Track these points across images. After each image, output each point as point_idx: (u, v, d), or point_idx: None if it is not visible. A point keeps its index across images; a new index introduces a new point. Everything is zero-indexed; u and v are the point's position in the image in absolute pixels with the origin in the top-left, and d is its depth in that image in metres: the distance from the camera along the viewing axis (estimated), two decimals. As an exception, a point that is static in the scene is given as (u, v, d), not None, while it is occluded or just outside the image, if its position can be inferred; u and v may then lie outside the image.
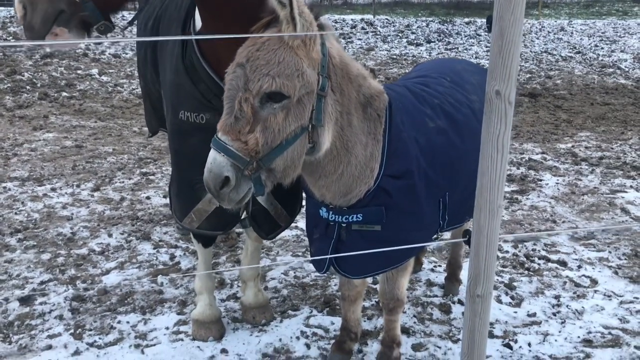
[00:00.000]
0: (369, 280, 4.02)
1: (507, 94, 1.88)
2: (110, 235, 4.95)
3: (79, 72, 11.85)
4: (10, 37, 14.80)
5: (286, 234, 5.03)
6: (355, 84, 2.46)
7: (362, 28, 19.84)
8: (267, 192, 2.29)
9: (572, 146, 7.97)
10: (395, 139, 2.58)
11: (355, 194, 2.63)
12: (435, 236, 3.04)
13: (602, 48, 17.01)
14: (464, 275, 4.09)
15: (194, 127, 2.97)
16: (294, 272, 4.41)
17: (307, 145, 2.27)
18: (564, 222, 5.49)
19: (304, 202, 3.30)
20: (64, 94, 10.39)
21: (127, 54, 13.75)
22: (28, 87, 10.69)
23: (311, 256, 2.97)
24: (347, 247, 2.74)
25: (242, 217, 3.33)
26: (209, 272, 3.63)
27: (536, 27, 20.31)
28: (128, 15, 13.87)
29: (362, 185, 2.61)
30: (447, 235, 4.24)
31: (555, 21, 23.34)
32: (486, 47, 16.47)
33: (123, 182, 6.28)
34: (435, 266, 4.56)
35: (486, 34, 17.01)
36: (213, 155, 2.12)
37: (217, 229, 3.34)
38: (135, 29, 2.94)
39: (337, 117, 2.39)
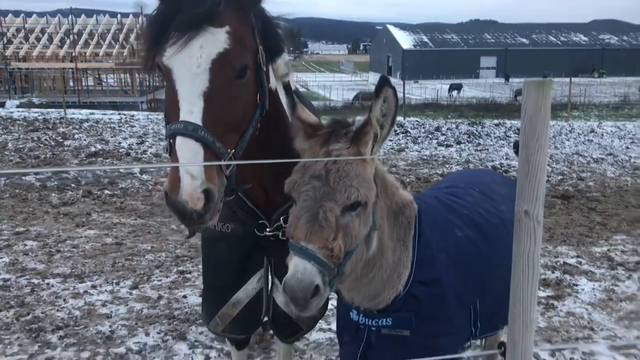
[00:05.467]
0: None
1: (535, 213, 2.00)
2: (147, 334, 5.04)
3: (121, 170, 12.41)
4: (59, 137, 15.66)
5: (320, 336, 5.05)
6: (390, 192, 2.63)
7: (393, 129, 20.36)
8: None
9: (608, 250, 7.88)
10: (424, 246, 2.70)
11: (383, 297, 2.71)
12: (468, 344, 3.06)
13: (634, 150, 17.07)
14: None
15: (220, 235, 3.21)
16: (328, 377, 4.41)
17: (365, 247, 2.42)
18: (602, 329, 5.38)
19: (330, 304, 3.36)
20: (107, 191, 10.84)
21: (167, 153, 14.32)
22: (73, 184, 11.20)
23: None
24: (377, 351, 2.79)
25: (264, 320, 3.43)
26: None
27: (566, 129, 20.54)
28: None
29: (390, 289, 2.69)
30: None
31: (585, 123, 23.60)
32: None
33: (160, 280, 6.43)
34: (470, 373, 4.49)
35: (515, 148, 17.07)
36: (302, 264, 2.09)
37: (240, 332, 3.46)
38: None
39: (381, 222, 2.54)
